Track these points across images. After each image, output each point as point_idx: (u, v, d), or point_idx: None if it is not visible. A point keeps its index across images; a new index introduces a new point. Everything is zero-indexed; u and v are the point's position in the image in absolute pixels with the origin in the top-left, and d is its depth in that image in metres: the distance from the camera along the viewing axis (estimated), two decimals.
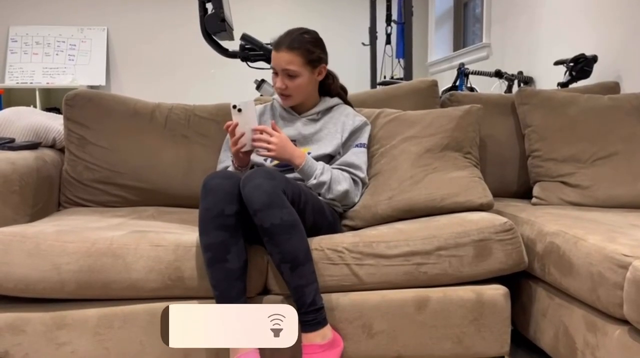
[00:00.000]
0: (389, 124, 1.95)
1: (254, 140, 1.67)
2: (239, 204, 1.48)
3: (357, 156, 1.83)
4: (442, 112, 1.94)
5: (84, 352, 1.51)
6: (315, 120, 1.89)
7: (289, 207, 1.47)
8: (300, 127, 1.88)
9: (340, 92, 1.98)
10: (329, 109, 1.92)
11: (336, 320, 1.55)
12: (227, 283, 1.45)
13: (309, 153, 1.81)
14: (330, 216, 1.71)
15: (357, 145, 1.86)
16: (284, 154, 1.69)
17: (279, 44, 1.79)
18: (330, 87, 1.95)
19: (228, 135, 1.80)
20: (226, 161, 1.89)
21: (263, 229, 1.44)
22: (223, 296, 1.45)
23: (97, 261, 1.49)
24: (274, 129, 1.69)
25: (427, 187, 1.75)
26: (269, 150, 1.67)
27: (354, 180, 1.80)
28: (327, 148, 1.83)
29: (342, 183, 1.75)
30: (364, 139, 1.88)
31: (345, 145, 1.86)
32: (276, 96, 1.94)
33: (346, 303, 1.56)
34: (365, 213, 1.77)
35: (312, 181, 1.72)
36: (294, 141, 1.85)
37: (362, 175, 1.82)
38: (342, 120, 1.88)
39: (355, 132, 1.87)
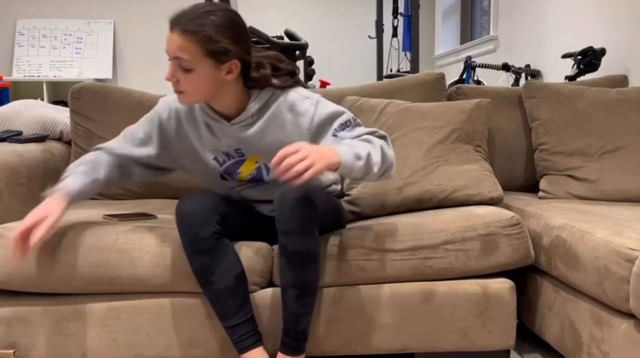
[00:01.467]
0: (399, 113, 1.93)
1: (281, 170, 1.20)
2: (215, 224, 1.39)
3: (353, 133, 1.43)
4: (452, 105, 1.93)
5: (92, 343, 1.52)
6: (250, 124, 1.47)
7: (317, 237, 1.41)
8: (236, 133, 1.48)
9: (272, 81, 1.45)
10: (264, 106, 1.47)
11: (342, 313, 1.56)
12: (220, 303, 1.43)
13: (264, 164, 1.52)
14: (339, 214, 1.65)
15: (339, 129, 1.43)
16: (324, 159, 1.23)
17: (173, 21, 1.33)
18: (259, 79, 1.44)
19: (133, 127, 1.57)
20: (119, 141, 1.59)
21: (286, 251, 1.37)
22: (221, 314, 1.44)
23: (104, 257, 1.49)
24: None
25: (438, 178, 1.75)
26: (309, 165, 1.19)
27: (373, 140, 1.39)
28: None
29: (375, 151, 1.35)
30: (341, 119, 1.44)
31: (320, 140, 1.45)
32: None
33: (352, 297, 1.56)
34: (374, 201, 1.76)
35: (359, 163, 1.30)
36: (238, 149, 1.50)
37: (380, 132, 1.45)
38: (294, 120, 1.46)
39: (324, 126, 1.45)
